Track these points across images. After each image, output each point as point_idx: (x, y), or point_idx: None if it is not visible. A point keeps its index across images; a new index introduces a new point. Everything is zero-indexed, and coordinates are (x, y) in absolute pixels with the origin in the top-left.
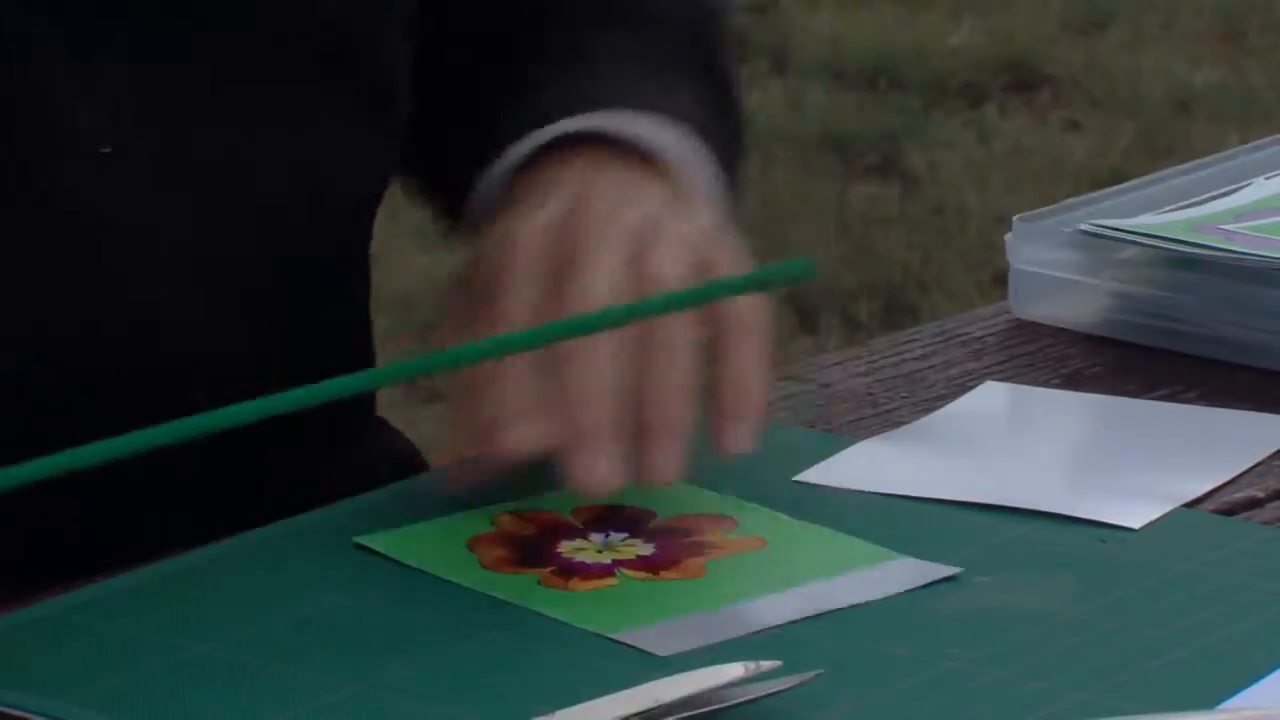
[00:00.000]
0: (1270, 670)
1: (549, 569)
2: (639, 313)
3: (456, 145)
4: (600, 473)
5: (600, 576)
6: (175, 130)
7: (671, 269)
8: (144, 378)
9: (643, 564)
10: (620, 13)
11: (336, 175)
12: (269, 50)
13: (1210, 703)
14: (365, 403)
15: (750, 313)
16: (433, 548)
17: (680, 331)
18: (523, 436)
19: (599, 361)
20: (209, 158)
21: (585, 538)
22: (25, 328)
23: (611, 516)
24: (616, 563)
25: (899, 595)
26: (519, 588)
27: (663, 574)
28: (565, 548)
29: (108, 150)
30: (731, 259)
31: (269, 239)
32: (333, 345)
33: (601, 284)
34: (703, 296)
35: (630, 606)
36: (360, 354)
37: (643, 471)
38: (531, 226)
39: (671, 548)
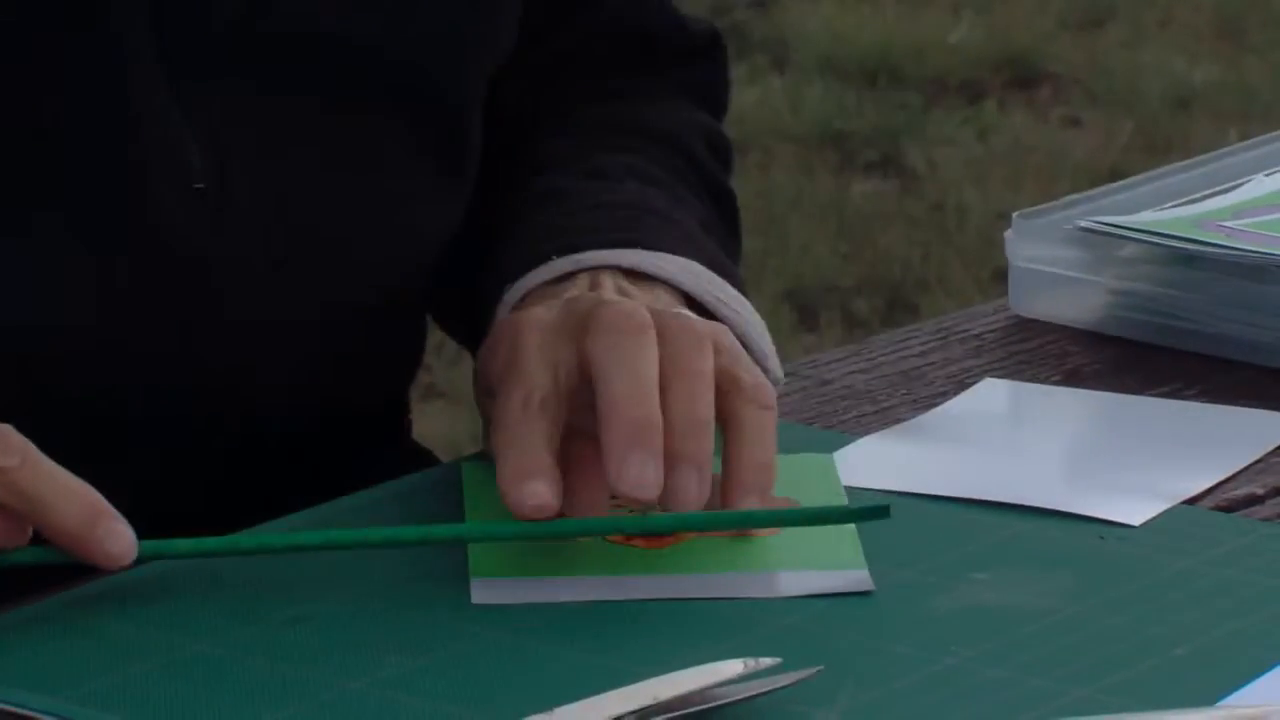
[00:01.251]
0: (1269, 668)
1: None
2: (701, 524)
3: (469, 253)
4: (650, 476)
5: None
6: (264, 168)
7: (685, 320)
8: (220, 399)
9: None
10: (629, 130)
11: (409, 217)
12: (357, 100)
13: (1209, 700)
14: (405, 426)
15: (761, 388)
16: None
17: (700, 358)
18: (524, 498)
19: (638, 372)
20: (293, 195)
21: None
22: (110, 348)
23: None
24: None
25: (894, 592)
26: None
27: (633, 541)
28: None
29: (201, 186)
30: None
31: (344, 276)
32: (385, 377)
33: (624, 306)
34: (776, 521)
35: (532, 558)
36: (401, 389)
37: (671, 495)
38: (542, 311)
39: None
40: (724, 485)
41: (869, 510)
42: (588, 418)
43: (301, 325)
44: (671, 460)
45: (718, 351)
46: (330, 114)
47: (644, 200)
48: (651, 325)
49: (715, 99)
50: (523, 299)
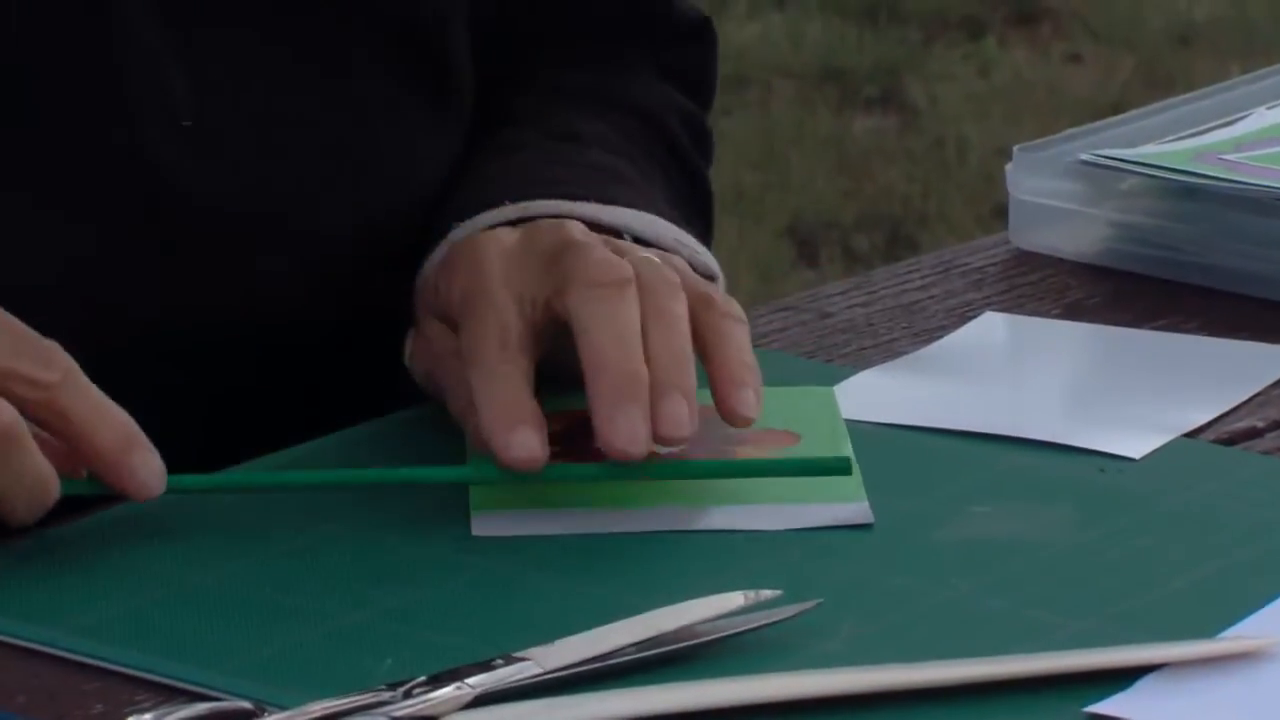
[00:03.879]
0: (1269, 600)
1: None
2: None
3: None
4: (641, 431)
5: (579, 457)
6: (256, 106)
7: (657, 267)
8: (215, 338)
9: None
10: (606, 100)
11: (398, 157)
12: (341, 32)
13: (1209, 632)
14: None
15: (732, 304)
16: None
17: (677, 302)
18: (513, 448)
19: (622, 325)
20: (286, 135)
21: None
22: (104, 289)
23: None
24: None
25: (895, 525)
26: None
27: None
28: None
29: (189, 124)
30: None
31: (333, 218)
32: (382, 322)
33: (603, 258)
34: (740, 471)
35: (533, 491)
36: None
37: (661, 423)
38: (503, 234)
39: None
40: (716, 386)
41: (830, 463)
42: (554, 358)
43: (293, 265)
44: (659, 391)
45: (680, 273)
46: (315, 51)
47: (608, 164)
48: (633, 279)
49: (699, 87)
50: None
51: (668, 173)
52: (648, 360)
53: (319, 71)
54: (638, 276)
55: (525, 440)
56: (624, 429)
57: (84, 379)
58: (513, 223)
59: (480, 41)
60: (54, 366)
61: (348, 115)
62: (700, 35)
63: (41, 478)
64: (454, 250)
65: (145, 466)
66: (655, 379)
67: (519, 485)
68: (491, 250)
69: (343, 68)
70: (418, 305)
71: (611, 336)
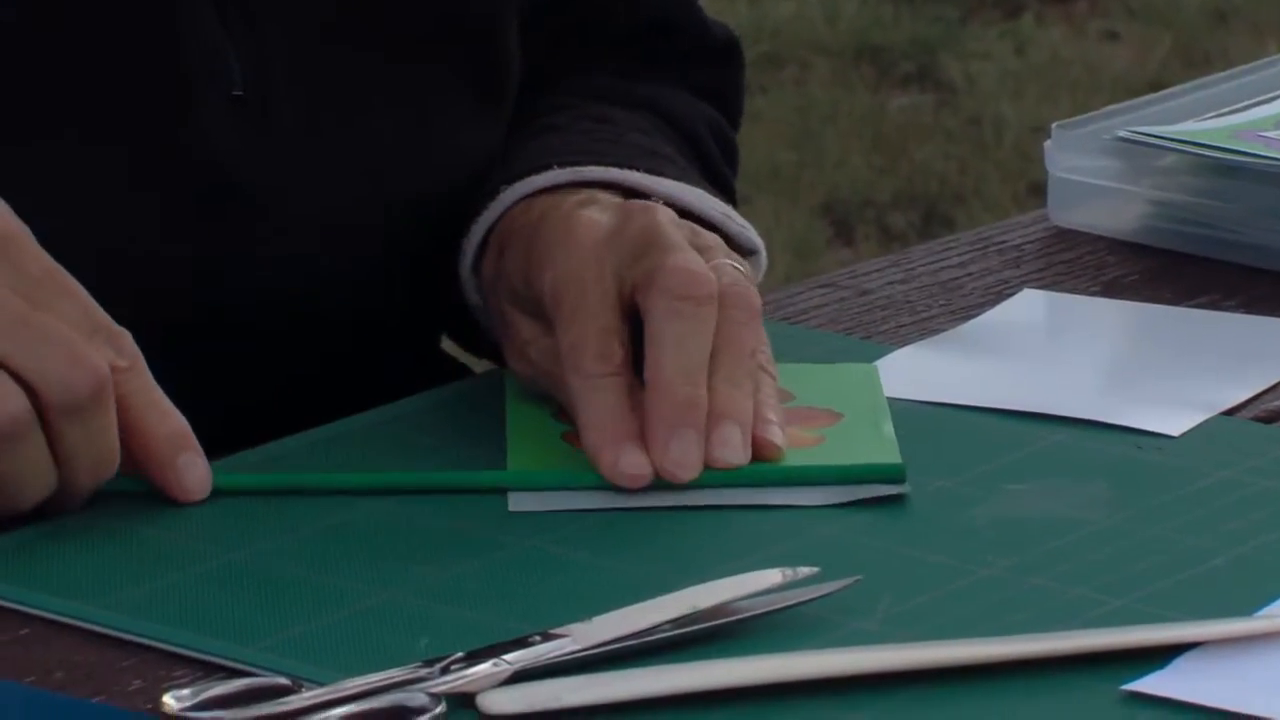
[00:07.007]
0: None
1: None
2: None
3: None
4: (693, 457)
5: None
6: (307, 87)
7: (740, 288)
8: (248, 315)
9: None
10: (637, 102)
11: (447, 141)
12: (395, 20)
13: (1247, 610)
14: (432, 337)
15: (769, 359)
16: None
17: (750, 332)
18: (623, 467)
19: (692, 349)
20: (331, 111)
21: None
22: (150, 255)
23: None
24: None
25: (933, 503)
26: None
27: None
28: None
29: (239, 94)
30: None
31: (382, 197)
32: (419, 294)
33: (692, 267)
34: (792, 479)
35: (570, 467)
36: (429, 332)
37: (713, 449)
38: (595, 214)
39: None
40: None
41: (882, 470)
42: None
43: (339, 241)
44: (716, 418)
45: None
46: (369, 38)
47: (647, 144)
48: (715, 296)
49: (728, 104)
50: (518, 204)
51: (699, 173)
52: (710, 387)
53: (370, 58)
54: (720, 294)
55: (633, 460)
56: (675, 453)
57: (149, 373)
58: (562, 187)
59: (519, 47)
60: (124, 354)
61: (397, 101)
62: (729, 55)
63: (111, 446)
64: (541, 235)
65: (191, 470)
66: (715, 407)
67: (557, 460)
68: (585, 231)
69: (395, 55)
70: (489, 295)
71: (680, 361)
